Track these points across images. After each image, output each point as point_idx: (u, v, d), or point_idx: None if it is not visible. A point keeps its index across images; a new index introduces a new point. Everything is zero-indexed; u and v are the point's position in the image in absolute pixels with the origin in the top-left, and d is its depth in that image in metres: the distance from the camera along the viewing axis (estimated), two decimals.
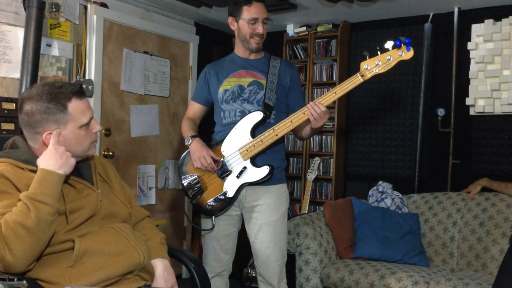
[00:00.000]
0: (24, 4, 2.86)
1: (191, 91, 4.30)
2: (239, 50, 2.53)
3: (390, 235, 3.22)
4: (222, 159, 2.42)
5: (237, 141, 2.40)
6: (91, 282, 1.55)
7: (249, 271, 3.49)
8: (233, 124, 2.44)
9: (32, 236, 1.46)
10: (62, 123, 1.63)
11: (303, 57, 4.39)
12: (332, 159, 4.21)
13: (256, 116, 2.39)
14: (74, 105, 1.64)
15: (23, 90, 2.76)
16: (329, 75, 4.26)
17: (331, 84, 4.27)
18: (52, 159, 1.56)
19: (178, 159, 4.16)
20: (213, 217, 2.45)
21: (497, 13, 3.62)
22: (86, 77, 3.46)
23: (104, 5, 3.54)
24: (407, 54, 2.23)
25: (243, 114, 2.44)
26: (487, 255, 3.01)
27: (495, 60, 3.58)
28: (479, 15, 3.70)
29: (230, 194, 2.40)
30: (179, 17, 4.21)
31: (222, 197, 2.41)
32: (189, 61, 4.31)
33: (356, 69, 4.30)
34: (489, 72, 3.59)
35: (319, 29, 4.27)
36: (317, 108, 2.24)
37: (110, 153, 3.61)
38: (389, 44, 2.22)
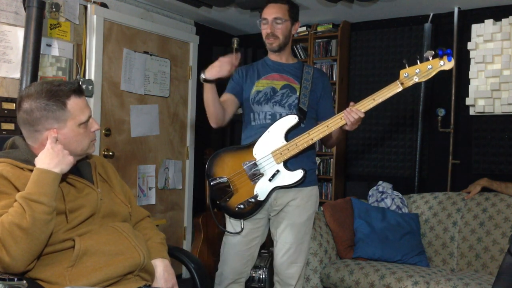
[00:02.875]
0: (24, 4, 2.85)
1: (191, 91, 4.30)
2: (271, 54, 2.54)
3: (390, 235, 3.22)
4: (254, 161, 2.36)
5: (269, 144, 2.36)
6: (91, 282, 1.55)
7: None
8: (263, 127, 2.41)
9: (29, 236, 1.46)
10: (62, 121, 1.63)
11: (303, 57, 4.39)
12: (332, 159, 4.21)
13: (291, 120, 2.36)
14: (73, 102, 1.65)
15: None
16: (329, 75, 4.25)
17: (330, 84, 4.25)
18: (48, 158, 1.56)
19: (178, 159, 4.21)
20: (241, 220, 2.41)
21: (497, 13, 3.62)
22: (86, 77, 3.46)
23: (104, 5, 3.54)
24: (448, 64, 2.21)
25: (274, 117, 2.42)
26: (487, 255, 3.01)
27: (495, 60, 3.58)
28: (479, 15, 3.70)
29: (262, 197, 2.36)
30: (179, 17, 4.21)
31: (253, 200, 2.36)
32: (189, 61, 4.31)
33: (356, 69, 4.33)
34: (489, 72, 3.59)
35: (319, 29, 4.27)
36: (354, 114, 2.24)
37: (110, 153, 3.60)
38: (429, 54, 2.21)
